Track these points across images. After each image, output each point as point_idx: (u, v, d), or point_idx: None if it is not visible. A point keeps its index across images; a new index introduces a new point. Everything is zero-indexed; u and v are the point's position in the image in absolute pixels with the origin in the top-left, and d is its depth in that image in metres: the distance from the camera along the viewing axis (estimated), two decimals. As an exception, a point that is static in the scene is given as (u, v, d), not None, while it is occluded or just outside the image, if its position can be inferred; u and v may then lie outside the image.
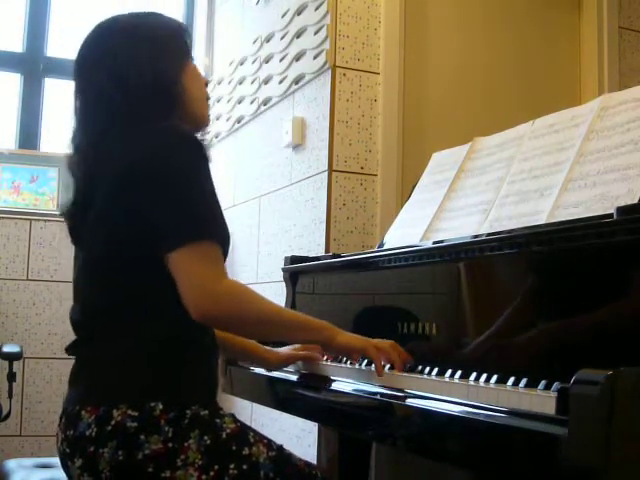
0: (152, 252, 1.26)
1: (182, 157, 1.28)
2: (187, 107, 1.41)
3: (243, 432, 1.29)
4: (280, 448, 1.33)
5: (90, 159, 1.35)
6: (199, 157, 1.31)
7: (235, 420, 1.31)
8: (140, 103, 1.34)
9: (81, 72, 1.42)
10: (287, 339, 1.60)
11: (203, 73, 1.52)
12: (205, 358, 1.36)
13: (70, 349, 1.38)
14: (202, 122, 1.47)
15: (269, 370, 1.69)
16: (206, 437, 1.24)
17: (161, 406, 1.23)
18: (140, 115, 1.33)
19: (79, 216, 1.37)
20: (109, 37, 1.42)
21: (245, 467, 1.25)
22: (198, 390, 1.31)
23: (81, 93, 1.41)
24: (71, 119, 1.41)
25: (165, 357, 1.29)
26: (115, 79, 1.35)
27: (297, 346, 1.65)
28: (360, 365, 1.49)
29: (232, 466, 1.24)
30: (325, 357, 1.62)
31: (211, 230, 1.27)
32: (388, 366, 1.40)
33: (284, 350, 1.66)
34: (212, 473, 1.23)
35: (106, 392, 1.27)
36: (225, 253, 1.32)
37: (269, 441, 1.32)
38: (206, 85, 1.50)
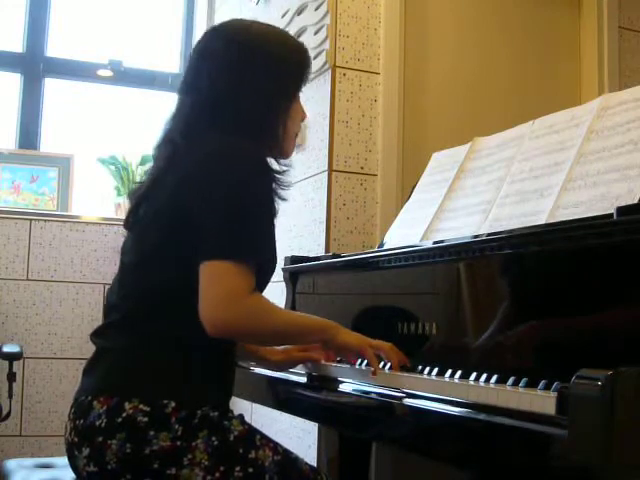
0: (192, 255, 1.27)
1: (244, 173, 1.30)
2: (279, 139, 1.43)
3: (250, 435, 1.30)
4: (286, 452, 1.33)
5: (171, 155, 1.38)
6: (262, 177, 1.33)
7: (243, 422, 1.31)
8: (234, 129, 1.36)
9: (197, 76, 1.42)
10: (294, 344, 1.61)
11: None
12: (223, 360, 1.37)
13: (94, 335, 1.39)
14: (284, 155, 1.48)
15: (271, 369, 1.69)
16: (214, 438, 1.25)
17: (173, 404, 1.24)
18: (231, 136, 1.35)
19: (141, 201, 1.40)
20: (236, 51, 1.42)
21: (251, 470, 1.26)
22: (211, 391, 1.32)
23: (190, 94, 1.42)
24: (171, 115, 1.43)
25: (183, 356, 1.30)
26: (232, 86, 1.38)
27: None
28: (360, 365, 1.49)
29: (238, 468, 1.25)
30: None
31: (250, 251, 1.27)
32: (388, 366, 1.40)
33: (284, 349, 1.66)
34: (217, 474, 1.23)
35: (120, 384, 1.28)
36: (265, 275, 1.35)
37: (275, 445, 1.32)
38: (302, 120, 1.52)
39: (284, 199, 1.41)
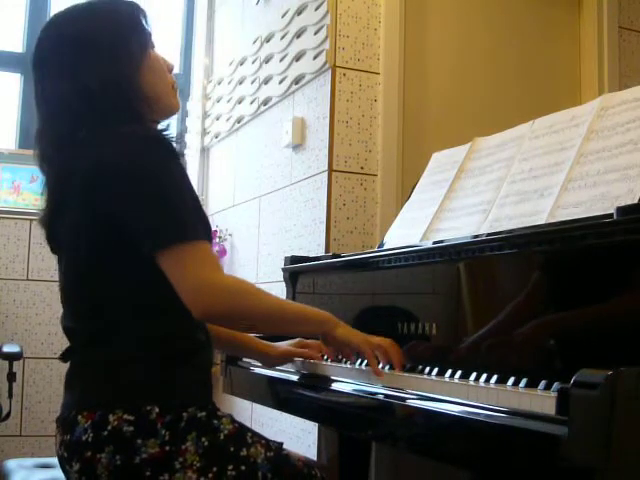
0: (135, 253, 1.25)
1: (152, 158, 1.27)
2: (152, 101, 1.38)
3: (241, 433, 1.29)
4: (278, 448, 1.33)
5: (57, 165, 1.34)
6: (169, 156, 1.29)
7: (233, 421, 1.30)
8: (103, 109, 1.32)
9: (41, 75, 1.38)
10: (289, 333, 1.60)
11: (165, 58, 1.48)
12: (199, 358, 1.35)
13: (64, 356, 1.36)
14: (170, 110, 1.46)
15: (268, 366, 1.68)
16: (204, 439, 1.24)
17: (157, 409, 1.22)
18: (105, 119, 1.31)
19: (55, 223, 1.36)
20: (67, 39, 1.36)
21: (243, 468, 1.25)
22: (194, 391, 1.30)
23: (43, 97, 1.37)
24: (36, 121, 1.38)
25: (158, 359, 1.28)
26: (76, 88, 1.32)
27: (295, 341, 1.65)
28: (360, 365, 1.49)
29: (230, 467, 1.24)
30: (325, 357, 1.62)
31: (196, 229, 1.26)
32: (388, 366, 1.40)
33: (282, 345, 1.65)
34: (210, 475, 1.23)
35: (101, 397, 1.26)
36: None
37: (267, 441, 1.32)
38: (170, 71, 1.47)
39: (183, 154, 1.38)
